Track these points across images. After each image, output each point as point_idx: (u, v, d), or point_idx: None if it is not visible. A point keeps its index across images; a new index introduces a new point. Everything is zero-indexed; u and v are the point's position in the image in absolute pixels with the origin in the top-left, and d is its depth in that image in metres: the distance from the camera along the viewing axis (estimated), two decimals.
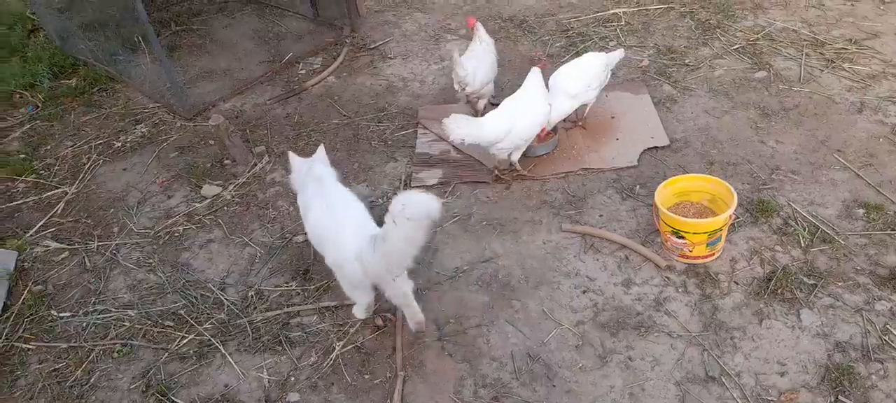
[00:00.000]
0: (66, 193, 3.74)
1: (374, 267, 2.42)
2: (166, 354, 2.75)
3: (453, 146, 3.66)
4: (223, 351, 2.73)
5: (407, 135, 3.89)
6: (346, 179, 3.40)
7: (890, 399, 2.31)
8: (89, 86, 4.70)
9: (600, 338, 2.62)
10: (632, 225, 3.10)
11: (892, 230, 2.91)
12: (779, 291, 2.69)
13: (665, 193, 2.95)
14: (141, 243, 3.34)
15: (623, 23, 4.72)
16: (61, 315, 2.99)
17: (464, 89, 3.66)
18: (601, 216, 3.17)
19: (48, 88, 4.72)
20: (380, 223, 2.42)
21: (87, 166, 3.93)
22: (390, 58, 4.70)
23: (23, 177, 3.89)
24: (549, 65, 3.47)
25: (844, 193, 3.13)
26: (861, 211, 3.02)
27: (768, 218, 3.03)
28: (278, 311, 2.88)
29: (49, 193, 3.76)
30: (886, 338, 2.49)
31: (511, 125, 3.17)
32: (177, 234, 3.36)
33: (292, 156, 2.89)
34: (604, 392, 2.43)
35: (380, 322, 2.79)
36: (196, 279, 3.10)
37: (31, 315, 3.00)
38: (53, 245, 3.38)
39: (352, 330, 2.76)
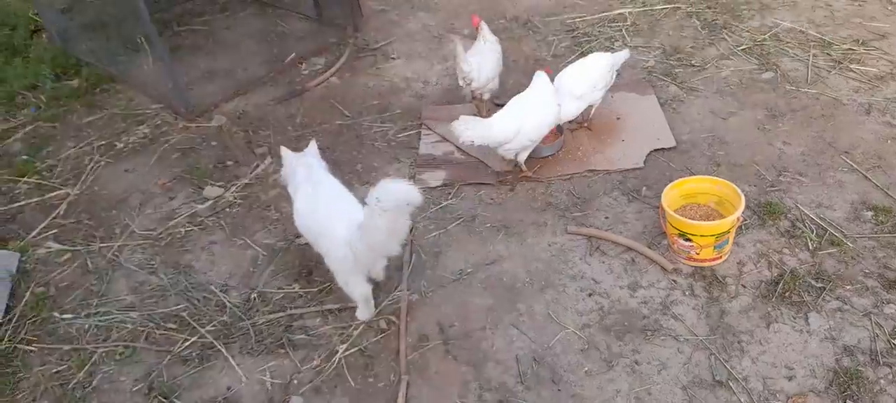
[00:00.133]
0: (69, 194, 3.72)
1: (362, 254, 2.49)
2: (169, 356, 2.74)
3: (457, 147, 3.65)
4: (226, 354, 2.71)
5: (410, 137, 3.87)
6: (349, 181, 3.38)
7: None
8: (91, 87, 4.69)
9: (606, 342, 2.59)
10: (638, 228, 3.07)
11: None
12: (786, 294, 2.66)
13: (672, 195, 2.93)
14: (143, 245, 3.32)
15: (629, 23, 4.69)
16: (64, 317, 2.98)
17: (469, 85, 3.64)
18: (607, 218, 3.15)
19: (50, 89, 4.70)
20: None
21: (89, 167, 3.92)
22: (393, 58, 4.68)
23: (25, 179, 3.88)
24: (553, 70, 3.46)
25: (852, 195, 3.10)
26: (869, 213, 2.99)
27: (776, 220, 3.00)
28: (281, 314, 2.86)
29: (51, 194, 3.75)
30: (895, 342, 2.46)
31: (520, 125, 3.15)
32: (179, 236, 3.35)
33: (284, 150, 2.91)
34: (610, 397, 2.41)
35: (383, 324, 2.77)
36: (198, 281, 3.08)
37: (34, 316, 2.98)
38: (56, 246, 3.37)
39: (355, 333, 2.74)
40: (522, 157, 3.32)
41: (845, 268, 2.76)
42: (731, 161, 3.38)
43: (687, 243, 2.77)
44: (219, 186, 3.63)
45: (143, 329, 2.87)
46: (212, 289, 3.02)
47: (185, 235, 3.35)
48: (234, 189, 3.60)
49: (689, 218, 2.83)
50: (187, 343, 2.78)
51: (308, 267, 3.06)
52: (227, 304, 2.93)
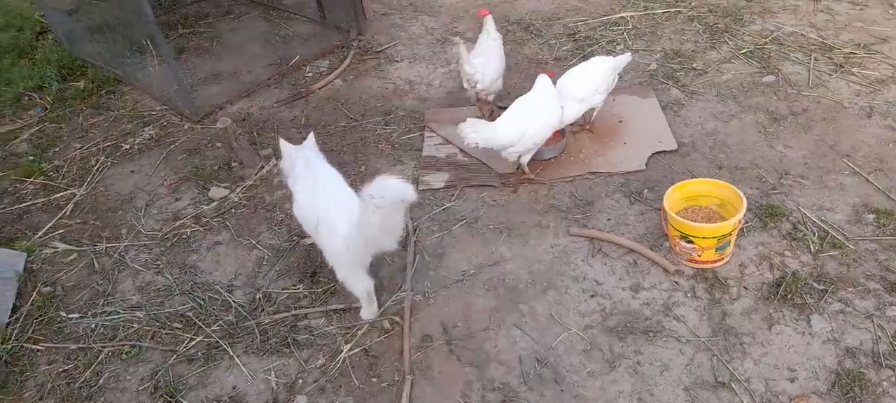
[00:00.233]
0: (75, 195, 3.75)
1: (357, 248, 2.54)
2: (174, 356, 2.76)
3: (460, 149, 3.67)
4: (231, 353, 2.74)
5: (413, 139, 3.89)
6: (353, 183, 3.39)
7: None
8: (97, 89, 4.73)
9: (608, 343, 2.61)
10: (640, 230, 3.09)
11: None
12: (788, 296, 2.68)
13: (674, 197, 2.94)
14: (149, 245, 3.35)
15: (630, 26, 4.72)
16: (70, 316, 3.00)
17: (473, 87, 3.66)
18: (609, 220, 3.16)
19: (56, 90, 4.75)
20: None
21: (95, 168, 3.95)
22: (397, 61, 4.71)
23: (31, 179, 3.91)
24: (556, 74, 3.48)
25: (854, 198, 3.11)
26: (871, 216, 3.01)
27: (777, 222, 3.02)
28: (286, 314, 2.88)
29: (57, 195, 3.78)
30: None
31: (524, 128, 3.17)
32: (184, 236, 3.37)
33: (283, 142, 2.95)
34: (612, 398, 2.42)
35: (387, 325, 2.78)
36: (204, 281, 3.10)
37: (41, 316, 3.01)
38: (62, 246, 3.40)
39: (359, 333, 2.76)
40: (525, 160, 3.34)
41: (847, 271, 2.77)
42: (732, 164, 3.40)
43: (689, 245, 2.78)
44: (224, 187, 3.66)
45: (148, 328, 2.89)
46: (217, 289, 3.04)
47: (191, 235, 3.37)
48: (239, 190, 3.63)
49: (691, 221, 2.85)
50: (193, 343, 2.80)
51: (313, 267, 3.09)
52: (233, 304, 2.95)
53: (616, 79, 3.63)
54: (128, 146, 4.12)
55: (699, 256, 2.80)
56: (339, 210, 2.57)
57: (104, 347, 2.83)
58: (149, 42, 4.84)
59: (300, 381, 2.61)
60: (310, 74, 4.67)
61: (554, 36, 4.74)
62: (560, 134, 3.57)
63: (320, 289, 2.97)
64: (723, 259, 2.84)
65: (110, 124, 4.36)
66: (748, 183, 3.25)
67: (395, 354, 2.66)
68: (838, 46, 4.21)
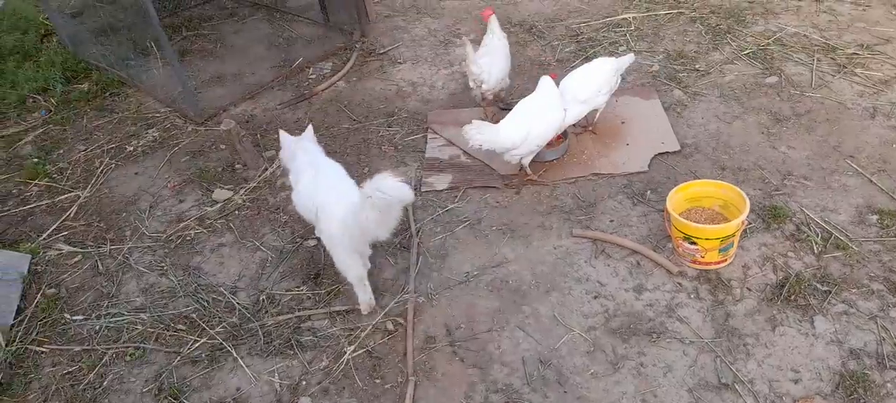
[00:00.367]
0: (79, 197, 3.77)
1: (354, 235, 2.62)
2: (178, 357, 2.77)
3: (463, 151, 3.67)
4: (235, 355, 2.74)
5: (417, 140, 3.90)
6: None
7: None
8: (101, 91, 4.75)
9: (612, 344, 2.61)
10: (643, 231, 3.09)
11: None
12: (792, 298, 2.68)
13: (677, 199, 2.94)
14: (153, 247, 3.36)
15: (633, 28, 4.72)
16: (74, 318, 3.01)
17: (479, 86, 3.67)
18: (612, 221, 3.16)
19: (61, 93, 4.76)
20: None
21: (99, 170, 3.96)
22: (400, 62, 4.72)
23: (36, 181, 3.93)
24: (559, 75, 3.49)
25: (857, 199, 3.11)
26: (874, 217, 3.00)
27: (781, 224, 3.01)
28: (289, 315, 2.89)
29: (62, 197, 3.79)
30: None
31: (527, 131, 3.18)
32: (188, 238, 3.38)
33: (282, 133, 3.03)
34: (616, 399, 2.42)
35: (390, 326, 2.79)
36: (208, 283, 3.11)
37: (45, 318, 3.02)
38: (66, 248, 3.41)
39: (363, 335, 2.76)
40: (527, 162, 3.35)
41: (851, 272, 2.77)
42: (735, 165, 3.40)
43: (692, 246, 2.78)
44: (228, 189, 3.67)
45: (152, 330, 2.90)
46: (221, 291, 3.05)
47: (195, 237, 3.38)
48: (242, 192, 3.64)
49: (694, 222, 2.85)
50: (197, 345, 2.81)
51: (316, 269, 3.09)
52: (236, 306, 2.96)
53: (619, 81, 3.63)
54: (132, 148, 4.14)
55: (702, 257, 2.80)
56: (338, 197, 2.65)
57: (108, 349, 2.84)
58: (153, 44, 4.86)
59: (304, 383, 2.61)
60: (313, 76, 4.68)
61: (556, 37, 4.75)
62: (563, 136, 3.58)
63: (324, 291, 2.98)
64: (726, 260, 2.83)
65: (114, 126, 4.38)
66: (751, 184, 3.25)
67: (399, 356, 2.67)
68: (841, 47, 4.20)
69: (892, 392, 2.33)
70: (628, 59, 3.69)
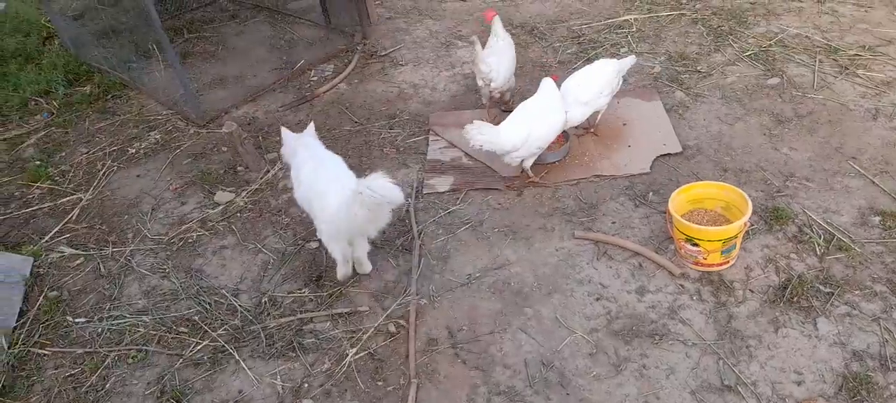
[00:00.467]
0: (81, 199, 3.77)
1: (344, 223, 2.69)
2: (181, 360, 2.77)
3: (465, 152, 3.67)
4: (237, 357, 2.74)
5: (418, 142, 3.90)
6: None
7: None
8: (103, 93, 4.76)
9: (614, 346, 2.60)
10: (645, 233, 3.08)
11: None
12: (794, 299, 2.67)
13: (679, 200, 2.94)
14: (155, 249, 3.36)
15: (634, 29, 4.72)
16: (77, 320, 3.02)
17: (488, 85, 3.68)
18: (614, 223, 3.16)
19: (63, 95, 4.77)
20: None
21: (101, 172, 3.97)
22: (401, 64, 4.72)
23: (38, 184, 3.94)
24: (560, 77, 3.50)
25: (860, 201, 3.10)
26: (877, 218, 3.00)
27: (783, 225, 3.01)
28: (291, 317, 2.89)
29: (64, 199, 3.80)
30: None
31: (528, 133, 3.18)
32: (190, 240, 3.39)
33: (284, 130, 3.13)
34: (618, 401, 2.42)
35: (393, 328, 2.79)
36: (210, 285, 3.11)
37: (47, 320, 3.03)
38: (68, 251, 3.41)
39: (365, 337, 2.76)
40: (528, 164, 3.35)
41: (853, 273, 2.76)
42: (737, 166, 3.39)
43: (694, 248, 2.78)
44: (230, 191, 3.67)
45: (155, 332, 2.90)
46: (223, 293, 3.05)
47: (197, 240, 3.38)
48: (244, 194, 3.64)
49: (697, 224, 2.84)
50: (199, 347, 2.81)
51: (318, 271, 3.09)
52: (239, 308, 2.96)
53: (620, 82, 3.64)
54: (134, 150, 4.15)
55: (705, 259, 2.79)
56: (336, 187, 2.73)
57: (110, 351, 2.84)
58: (155, 47, 4.88)
59: (306, 385, 2.61)
60: (315, 78, 4.68)
61: (558, 39, 4.75)
62: (564, 137, 3.58)
63: (326, 293, 2.98)
64: (728, 262, 2.83)
65: (116, 129, 4.39)
66: (753, 185, 3.25)
67: (401, 358, 2.67)
68: (843, 48, 4.20)
69: (895, 395, 2.32)
70: (630, 60, 3.69)
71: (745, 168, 3.38)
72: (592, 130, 3.72)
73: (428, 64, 4.69)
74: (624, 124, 3.78)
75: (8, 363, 2.82)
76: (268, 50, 5.11)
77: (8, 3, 6.10)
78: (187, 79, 4.27)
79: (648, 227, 3.11)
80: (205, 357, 2.77)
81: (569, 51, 4.58)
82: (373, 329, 2.79)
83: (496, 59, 3.66)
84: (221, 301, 3.02)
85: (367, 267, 2.99)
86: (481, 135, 3.15)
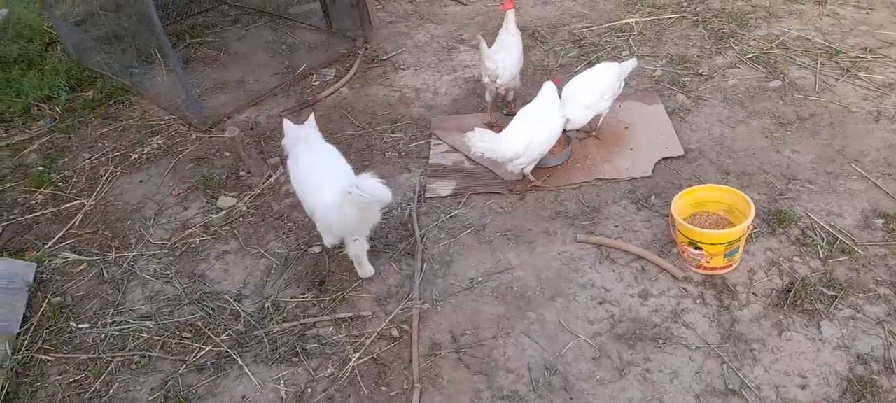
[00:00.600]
0: (84, 205, 3.78)
1: (336, 221, 2.75)
2: (184, 365, 2.77)
3: (467, 156, 3.68)
4: (240, 363, 2.74)
5: (420, 146, 3.90)
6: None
7: None
8: (106, 99, 4.77)
9: (618, 350, 2.60)
10: (647, 236, 3.08)
11: None
12: (798, 302, 2.67)
13: (681, 204, 2.94)
14: (158, 254, 3.36)
15: (635, 32, 4.72)
16: (80, 326, 3.02)
17: (494, 81, 3.69)
18: (616, 226, 3.16)
19: (65, 101, 4.79)
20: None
21: (104, 178, 3.98)
22: (403, 69, 4.73)
23: (41, 190, 3.94)
24: (562, 80, 3.50)
25: (862, 203, 3.10)
26: (880, 221, 2.99)
27: (786, 228, 3.01)
28: (294, 322, 2.89)
29: (67, 205, 3.81)
30: None
31: (529, 140, 3.18)
32: (193, 245, 3.39)
33: (286, 121, 3.20)
34: None
35: (396, 333, 2.79)
36: (213, 290, 3.12)
37: (51, 326, 3.03)
38: (72, 256, 3.42)
39: (368, 342, 2.76)
40: (529, 169, 3.35)
41: (857, 276, 2.76)
42: (739, 169, 3.39)
43: (697, 251, 2.78)
44: (232, 196, 3.68)
45: (158, 338, 2.90)
46: (226, 298, 3.05)
47: (200, 245, 3.39)
48: (247, 199, 3.65)
49: (699, 227, 2.85)
50: (202, 352, 2.81)
51: (321, 276, 3.10)
52: (242, 313, 2.96)
53: (622, 86, 3.64)
54: (136, 156, 4.15)
55: (708, 262, 2.79)
56: (330, 181, 2.78)
57: (114, 357, 2.85)
58: (157, 52, 4.89)
59: (309, 390, 2.61)
60: (317, 83, 4.69)
61: (559, 42, 4.75)
62: (566, 141, 3.58)
63: (329, 298, 2.98)
64: (731, 265, 2.83)
65: (119, 134, 4.40)
66: (756, 188, 3.25)
67: (404, 362, 2.67)
68: (844, 50, 4.20)
69: None
70: (631, 63, 3.69)
71: (748, 171, 3.38)
72: (594, 134, 3.72)
73: (429, 68, 4.70)
74: (626, 127, 3.78)
75: (12, 369, 2.82)
76: (270, 54, 5.13)
77: (10, 9, 6.12)
78: (189, 85, 4.28)
79: (651, 231, 3.11)
80: (208, 363, 2.77)
81: (570, 54, 4.59)
82: (376, 333, 2.79)
83: (504, 55, 3.67)
84: (224, 306, 3.02)
85: (368, 269, 3.00)
86: (483, 142, 3.16)
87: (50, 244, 3.52)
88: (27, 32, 5.68)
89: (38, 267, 3.34)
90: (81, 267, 3.35)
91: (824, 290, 2.71)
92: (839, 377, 2.41)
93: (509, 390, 2.52)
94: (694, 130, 3.72)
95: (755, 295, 2.74)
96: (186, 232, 3.48)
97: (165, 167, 4.01)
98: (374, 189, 2.54)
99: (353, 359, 2.69)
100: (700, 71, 4.22)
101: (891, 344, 2.48)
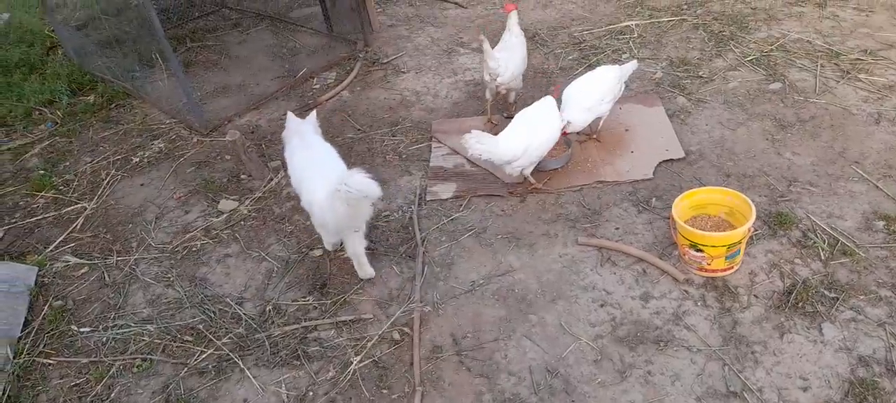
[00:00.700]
0: (86, 209, 3.79)
1: (329, 217, 2.79)
2: (185, 369, 2.77)
3: (468, 159, 3.68)
4: (242, 366, 2.74)
5: (421, 149, 3.91)
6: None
7: None
8: (107, 103, 4.78)
9: (619, 353, 2.60)
10: (648, 239, 3.08)
11: None
12: (799, 305, 2.67)
13: (682, 206, 2.94)
14: (159, 258, 3.37)
15: (635, 35, 4.73)
16: (81, 330, 3.02)
17: (494, 80, 3.70)
18: (617, 229, 3.16)
19: (67, 105, 4.80)
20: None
21: (105, 181, 3.98)
22: (403, 72, 4.74)
23: (42, 193, 3.95)
24: (562, 85, 3.51)
25: (863, 205, 3.10)
26: (881, 223, 2.99)
27: (787, 230, 3.01)
28: (296, 326, 2.89)
29: (68, 209, 3.81)
30: None
31: (527, 144, 3.18)
32: (194, 249, 3.39)
33: (290, 114, 3.30)
34: None
35: (397, 336, 2.79)
36: (214, 293, 3.12)
37: (52, 330, 3.03)
38: (73, 260, 3.42)
39: (369, 345, 2.76)
40: (528, 171, 3.35)
41: (858, 278, 2.76)
42: (740, 171, 3.39)
43: (698, 254, 2.78)
44: (233, 200, 3.68)
45: (159, 341, 2.90)
46: (227, 302, 3.05)
47: (201, 248, 3.39)
48: (248, 202, 3.65)
49: (700, 229, 2.84)
50: (204, 356, 2.81)
51: (322, 279, 3.10)
52: (243, 316, 2.96)
53: (622, 88, 3.64)
54: (137, 159, 4.16)
55: (709, 265, 2.79)
56: (322, 178, 2.82)
57: (115, 361, 2.85)
58: (158, 56, 4.90)
59: (311, 394, 2.61)
60: (317, 86, 4.70)
61: (560, 45, 4.76)
62: (566, 144, 3.58)
63: (330, 301, 2.98)
64: (732, 267, 2.83)
65: (120, 138, 4.40)
66: (757, 190, 3.25)
67: (405, 365, 2.66)
68: (845, 53, 4.21)
69: None
70: (632, 65, 3.69)
71: (748, 173, 3.38)
72: (595, 136, 3.73)
73: (430, 71, 4.71)
74: (626, 130, 3.78)
75: (13, 373, 2.82)
76: (270, 58, 5.14)
77: (12, 14, 6.14)
78: (190, 88, 4.28)
79: (652, 233, 3.11)
80: (210, 366, 2.77)
81: (570, 57, 4.59)
82: (377, 336, 2.79)
83: (506, 55, 3.68)
84: (226, 309, 3.02)
85: (368, 270, 3.01)
86: (480, 144, 3.16)
87: (51, 248, 3.52)
88: (28, 37, 5.69)
89: (40, 270, 3.34)
90: (83, 271, 3.35)
91: (826, 292, 2.71)
92: (841, 379, 2.40)
93: (511, 393, 2.52)
94: (694, 132, 3.72)
95: (756, 297, 2.74)
96: (187, 236, 3.48)
97: (166, 171, 4.01)
98: (362, 184, 2.59)
99: (355, 362, 2.69)
100: (700, 73, 4.22)
101: (892, 346, 2.48)
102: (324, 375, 2.67)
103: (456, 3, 5.64)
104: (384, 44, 5.11)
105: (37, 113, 4.77)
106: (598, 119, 3.62)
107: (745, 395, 2.39)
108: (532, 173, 3.39)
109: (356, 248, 2.94)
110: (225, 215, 3.59)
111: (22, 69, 5.21)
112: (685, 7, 5.05)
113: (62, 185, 4.01)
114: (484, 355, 2.67)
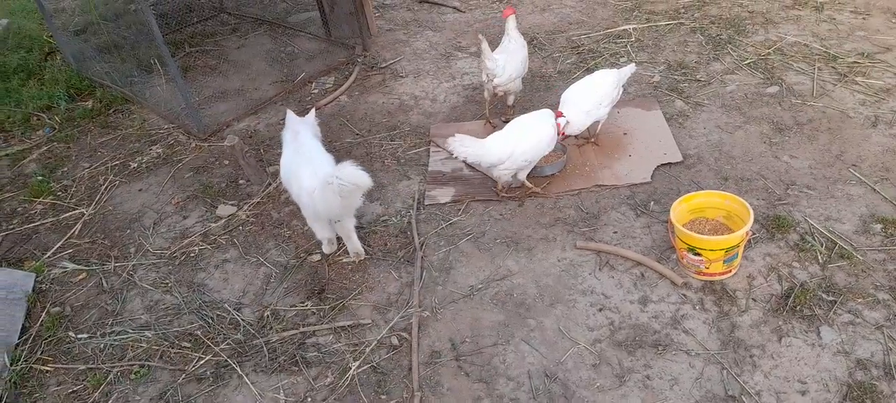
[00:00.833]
0: (83, 214, 3.78)
1: (321, 207, 2.89)
2: (183, 375, 2.76)
3: (466, 163, 3.68)
4: (240, 372, 2.74)
5: (419, 154, 3.91)
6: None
7: None
8: (105, 108, 4.78)
9: (617, 357, 2.60)
10: (647, 242, 3.09)
11: None
12: (797, 308, 2.67)
13: (680, 210, 2.94)
14: (157, 263, 3.36)
15: (633, 39, 4.74)
16: (79, 336, 3.01)
17: (491, 80, 3.70)
18: (615, 233, 3.16)
19: (65, 110, 4.80)
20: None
21: (103, 187, 3.98)
22: (402, 76, 4.74)
23: (40, 199, 3.95)
24: (560, 88, 3.52)
25: (861, 208, 3.11)
26: (878, 226, 3.00)
27: (785, 234, 3.01)
28: (294, 331, 2.89)
29: (66, 214, 3.81)
30: None
31: (512, 149, 3.18)
32: (192, 254, 3.39)
33: (289, 112, 3.37)
34: None
35: (395, 341, 2.78)
36: (212, 299, 3.11)
37: (49, 336, 3.02)
38: (71, 266, 3.42)
39: (368, 350, 2.76)
40: (522, 175, 3.35)
41: (856, 281, 2.76)
42: (738, 175, 3.40)
43: (696, 257, 2.78)
44: (231, 205, 3.68)
45: (157, 347, 2.90)
46: (225, 307, 3.05)
47: (199, 254, 3.39)
48: (246, 207, 3.65)
49: (698, 233, 2.85)
50: (202, 362, 2.80)
51: (320, 284, 3.09)
52: (241, 322, 2.96)
53: (620, 92, 3.65)
54: (136, 165, 4.16)
55: (707, 268, 2.79)
56: (309, 169, 2.94)
57: (113, 367, 2.84)
58: (156, 61, 4.90)
59: (309, 399, 2.60)
60: (316, 91, 4.70)
61: (557, 49, 4.77)
62: (561, 151, 3.58)
63: (328, 306, 2.98)
64: (731, 271, 2.83)
65: (118, 143, 4.40)
66: (754, 194, 3.25)
67: (404, 371, 2.66)
68: (842, 56, 4.22)
69: None
70: (629, 69, 3.70)
71: (746, 176, 3.38)
72: (593, 140, 3.73)
73: (428, 75, 4.71)
74: (624, 134, 3.79)
75: (10, 380, 2.81)
76: (269, 63, 5.14)
77: (10, 19, 6.14)
78: (189, 93, 4.29)
79: (650, 237, 3.11)
80: (208, 373, 2.76)
81: (568, 61, 4.60)
82: (375, 342, 2.78)
83: (504, 58, 3.70)
84: (224, 315, 3.02)
85: (358, 246, 3.13)
86: (463, 147, 3.16)
87: (49, 254, 3.52)
88: (27, 42, 5.70)
89: (37, 277, 3.34)
90: (80, 277, 3.35)
91: (824, 296, 2.71)
92: (839, 382, 2.40)
93: (509, 398, 2.51)
94: (692, 136, 3.73)
95: (755, 300, 2.74)
96: (186, 241, 3.48)
97: (165, 176, 4.01)
98: (353, 175, 2.72)
99: (353, 368, 2.69)
100: (698, 77, 4.23)
101: (890, 349, 2.48)
102: (322, 381, 2.67)
103: (454, 8, 5.65)
104: (382, 48, 5.12)
105: (35, 118, 4.77)
106: (597, 123, 3.63)
107: (744, 399, 2.39)
108: (530, 180, 3.38)
109: (346, 226, 3.07)
110: (223, 220, 3.59)
111: (20, 74, 5.22)
112: (682, 11, 5.06)
113: (60, 191, 4.01)
114: (482, 360, 2.66)
